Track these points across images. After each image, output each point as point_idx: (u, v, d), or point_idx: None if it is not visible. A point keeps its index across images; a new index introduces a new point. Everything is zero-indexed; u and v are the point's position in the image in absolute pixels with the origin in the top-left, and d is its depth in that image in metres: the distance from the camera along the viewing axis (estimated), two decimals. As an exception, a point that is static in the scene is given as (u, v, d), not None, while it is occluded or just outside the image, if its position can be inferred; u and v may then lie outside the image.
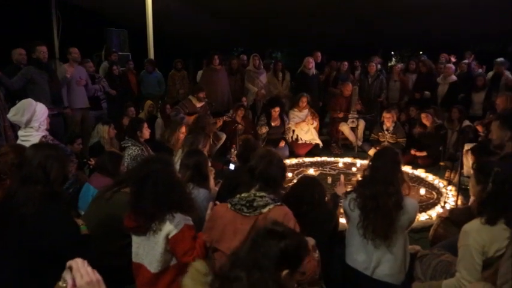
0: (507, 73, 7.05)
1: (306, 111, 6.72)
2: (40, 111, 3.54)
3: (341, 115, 6.85)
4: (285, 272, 1.37)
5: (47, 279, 1.68)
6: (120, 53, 8.78)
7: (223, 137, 6.04)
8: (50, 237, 2.05)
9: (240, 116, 6.38)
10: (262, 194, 2.18)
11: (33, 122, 3.49)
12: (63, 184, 2.42)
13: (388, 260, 2.51)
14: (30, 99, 3.62)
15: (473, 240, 2.28)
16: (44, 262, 2.01)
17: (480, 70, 8.00)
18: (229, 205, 2.23)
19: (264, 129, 6.38)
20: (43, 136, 3.51)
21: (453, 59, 8.46)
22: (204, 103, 6.10)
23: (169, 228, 2.14)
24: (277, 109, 6.42)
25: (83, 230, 2.36)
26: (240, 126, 6.33)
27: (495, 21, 7.14)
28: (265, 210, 2.13)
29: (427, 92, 7.09)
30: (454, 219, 3.04)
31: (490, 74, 7.35)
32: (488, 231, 2.28)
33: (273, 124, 6.43)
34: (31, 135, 3.46)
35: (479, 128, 5.00)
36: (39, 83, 4.95)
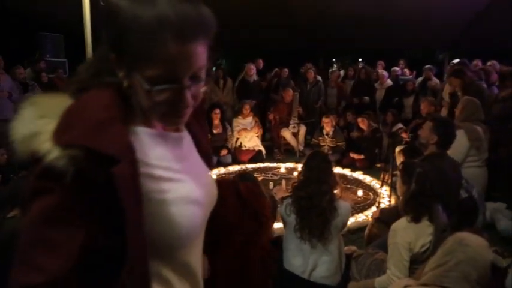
0: (435, 78, 7.56)
1: (250, 118, 6.76)
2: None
3: (275, 118, 6.96)
4: None
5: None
6: (54, 59, 8.35)
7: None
8: None
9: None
10: None
11: None
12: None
13: (324, 262, 2.57)
14: None
15: (401, 238, 2.40)
16: None
17: (411, 76, 8.49)
18: None
19: (206, 137, 6.32)
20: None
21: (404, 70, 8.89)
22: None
23: None
24: (217, 111, 6.41)
25: None
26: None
27: (426, 30, 7.63)
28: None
29: (366, 98, 7.40)
30: (384, 219, 3.16)
31: (420, 79, 7.84)
32: (414, 229, 2.41)
33: (214, 131, 6.40)
34: None
35: (405, 135, 5.30)
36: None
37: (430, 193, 2.43)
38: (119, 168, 0.68)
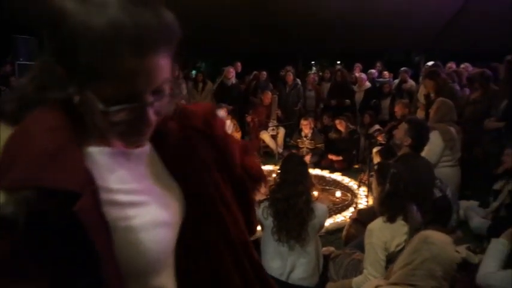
0: (410, 80, 7.73)
1: (228, 121, 6.75)
2: None
3: (251, 120, 7.01)
4: None
5: None
6: (28, 63, 8.13)
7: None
8: None
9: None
10: None
11: None
12: None
13: (302, 263, 2.59)
14: None
15: (377, 238, 2.43)
16: None
17: (388, 78, 8.65)
18: None
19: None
20: None
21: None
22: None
23: None
24: None
25: None
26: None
27: (403, 33, 7.82)
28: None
29: (347, 100, 7.49)
30: (362, 219, 3.21)
31: (396, 81, 8.00)
32: (389, 229, 2.45)
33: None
34: None
35: (380, 138, 5.40)
36: None
37: (404, 193, 2.48)
38: (81, 203, 0.59)
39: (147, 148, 0.79)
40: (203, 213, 0.84)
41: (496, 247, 2.19)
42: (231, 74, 7.43)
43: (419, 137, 3.27)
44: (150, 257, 0.72)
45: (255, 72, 8.55)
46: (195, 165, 0.83)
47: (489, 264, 2.15)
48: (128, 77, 0.61)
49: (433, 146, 4.02)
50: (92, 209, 0.62)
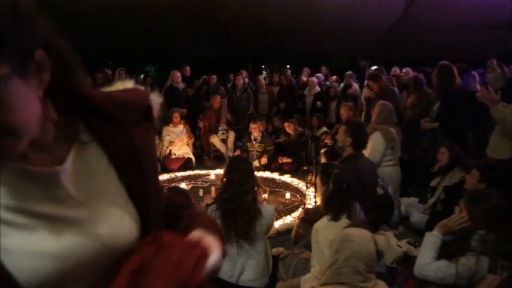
0: (355, 84, 8.05)
1: (181, 126, 6.68)
2: None
3: (202, 125, 7.00)
4: None
5: None
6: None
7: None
8: None
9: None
10: None
11: None
12: None
13: (251, 265, 2.62)
14: None
15: (322, 237, 2.51)
16: None
17: (335, 82, 8.95)
18: None
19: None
20: None
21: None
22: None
23: None
24: None
25: None
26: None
27: (348, 39, 8.10)
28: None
29: (318, 102, 7.64)
30: (309, 219, 3.29)
31: (342, 85, 8.30)
32: (334, 227, 2.53)
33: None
34: None
35: (327, 140, 5.59)
36: None
37: (347, 192, 2.59)
38: None
39: (66, 168, 0.71)
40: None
41: (430, 239, 2.33)
42: (179, 78, 7.36)
43: (358, 136, 3.43)
44: (19, 281, 0.65)
45: (204, 76, 8.52)
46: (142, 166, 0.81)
47: (424, 255, 2.28)
48: None
49: (376, 146, 4.23)
50: None
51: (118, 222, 0.77)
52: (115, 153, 0.78)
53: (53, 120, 0.70)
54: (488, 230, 2.12)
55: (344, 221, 2.56)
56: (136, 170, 0.80)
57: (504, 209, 2.16)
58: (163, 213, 0.89)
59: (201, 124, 7.11)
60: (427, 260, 2.26)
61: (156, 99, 0.89)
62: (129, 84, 0.89)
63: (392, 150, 4.35)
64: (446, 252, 2.27)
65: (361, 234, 1.96)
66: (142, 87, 0.91)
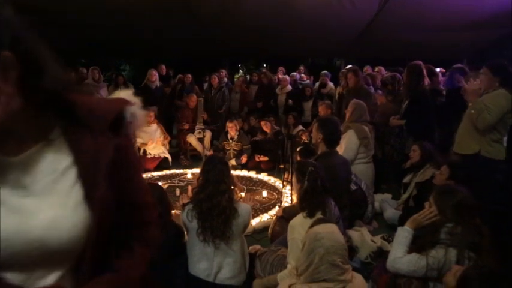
0: (330, 83, 8.16)
1: (154, 125, 6.61)
2: None
3: (187, 127, 6.95)
4: None
5: None
6: None
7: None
8: None
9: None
10: None
11: None
12: None
13: (228, 263, 2.62)
14: None
15: (298, 233, 2.54)
16: None
17: (308, 81, 9.03)
18: None
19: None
20: None
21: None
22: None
23: None
24: None
25: None
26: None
27: (324, 39, 8.20)
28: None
29: (290, 101, 7.67)
30: (286, 216, 3.33)
31: (317, 84, 8.40)
32: (310, 224, 2.57)
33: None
34: None
35: (304, 137, 5.65)
36: None
37: (321, 189, 2.63)
38: None
39: (20, 159, 0.77)
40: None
41: (402, 234, 2.40)
42: (154, 77, 7.29)
43: (329, 131, 3.49)
44: None
45: (179, 75, 8.46)
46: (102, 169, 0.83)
47: (397, 250, 2.35)
48: None
49: (349, 144, 4.32)
50: None
51: (56, 220, 0.79)
52: (79, 155, 0.82)
53: (23, 115, 0.74)
54: (456, 223, 2.20)
55: (319, 217, 2.59)
56: (96, 176, 0.83)
57: (470, 202, 2.26)
58: (125, 224, 0.92)
59: (186, 126, 7.00)
60: (399, 254, 2.33)
61: (137, 112, 0.92)
62: (124, 93, 0.95)
63: (365, 148, 4.44)
64: (417, 245, 2.35)
65: (328, 229, 2.02)
66: (127, 92, 0.96)
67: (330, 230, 2.00)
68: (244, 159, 6.37)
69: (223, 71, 8.60)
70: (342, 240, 1.99)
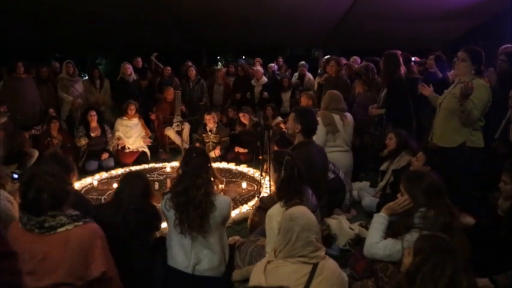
0: (309, 74, 8.18)
1: (135, 119, 6.51)
2: None
3: (153, 117, 6.93)
4: None
5: None
6: None
7: (36, 153, 5.44)
8: None
9: (55, 129, 5.86)
10: (54, 213, 1.99)
11: None
12: None
13: (206, 255, 2.61)
14: None
15: (276, 222, 2.54)
16: None
17: (287, 72, 9.02)
18: (19, 225, 2.01)
19: (84, 141, 5.95)
20: None
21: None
22: (6, 118, 5.37)
23: None
24: (93, 113, 6.07)
25: None
26: (55, 140, 5.78)
27: (301, 29, 8.21)
28: (61, 229, 1.97)
29: (265, 93, 7.63)
30: (264, 206, 3.33)
31: (296, 75, 8.40)
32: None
33: (92, 135, 6.04)
34: None
35: (282, 126, 5.66)
36: None
37: (298, 178, 2.64)
38: None
39: None
40: None
41: (377, 220, 2.44)
42: (129, 70, 7.16)
43: (307, 121, 3.51)
44: None
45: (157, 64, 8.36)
46: None
47: (373, 235, 2.39)
48: None
49: (318, 130, 4.33)
50: None
51: None
52: None
53: None
54: (428, 207, 2.25)
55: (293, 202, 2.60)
56: None
57: (438, 185, 2.32)
58: None
59: (153, 117, 6.96)
60: (375, 239, 2.37)
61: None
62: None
63: (333, 136, 4.43)
64: (392, 231, 2.39)
65: (301, 210, 2.10)
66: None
67: (303, 210, 2.09)
68: (217, 152, 6.33)
69: (190, 63, 8.33)
70: (315, 219, 2.06)
